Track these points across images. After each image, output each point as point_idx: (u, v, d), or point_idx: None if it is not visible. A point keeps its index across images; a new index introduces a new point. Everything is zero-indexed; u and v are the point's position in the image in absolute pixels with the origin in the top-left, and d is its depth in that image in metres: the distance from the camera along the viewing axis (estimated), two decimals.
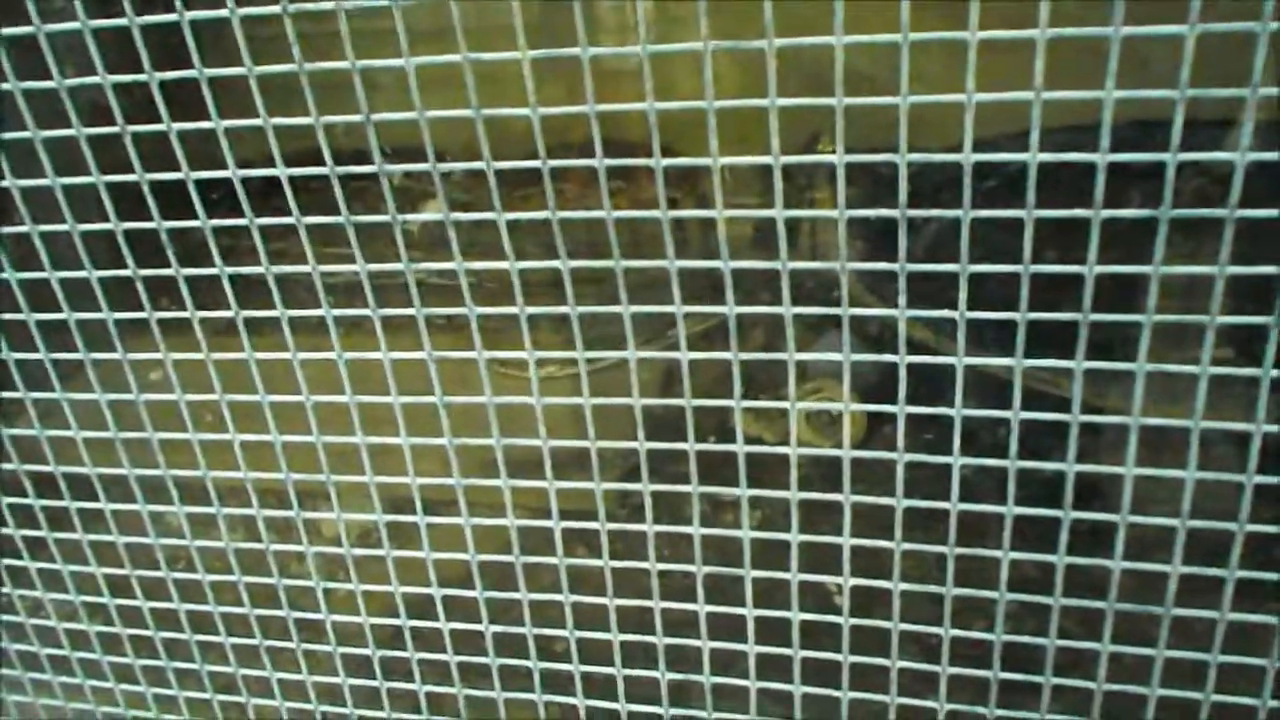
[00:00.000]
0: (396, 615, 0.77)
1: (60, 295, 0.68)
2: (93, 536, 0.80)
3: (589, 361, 0.63)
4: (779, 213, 0.57)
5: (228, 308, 0.67)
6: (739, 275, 0.59)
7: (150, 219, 0.64)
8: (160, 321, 0.68)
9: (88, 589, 0.84)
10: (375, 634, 0.79)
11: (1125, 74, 0.51)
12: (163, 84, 0.59)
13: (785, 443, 0.66)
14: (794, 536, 0.66)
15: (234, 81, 0.57)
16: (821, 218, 0.62)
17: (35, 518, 0.81)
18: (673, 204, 0.57)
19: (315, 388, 0.69)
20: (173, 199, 0.64)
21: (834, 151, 0.57)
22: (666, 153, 0.56)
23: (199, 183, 0.62)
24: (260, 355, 0.67)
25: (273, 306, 0.66)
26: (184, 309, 0.67)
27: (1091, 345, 0.59)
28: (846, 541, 0.65)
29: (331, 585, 0.78)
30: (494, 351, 0.65)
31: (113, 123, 0.61)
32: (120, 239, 0.65)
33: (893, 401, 0.63)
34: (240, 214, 0.62)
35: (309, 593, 0.78)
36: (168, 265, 0.66)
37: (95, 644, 0.87)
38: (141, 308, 0.67)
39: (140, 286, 0.66)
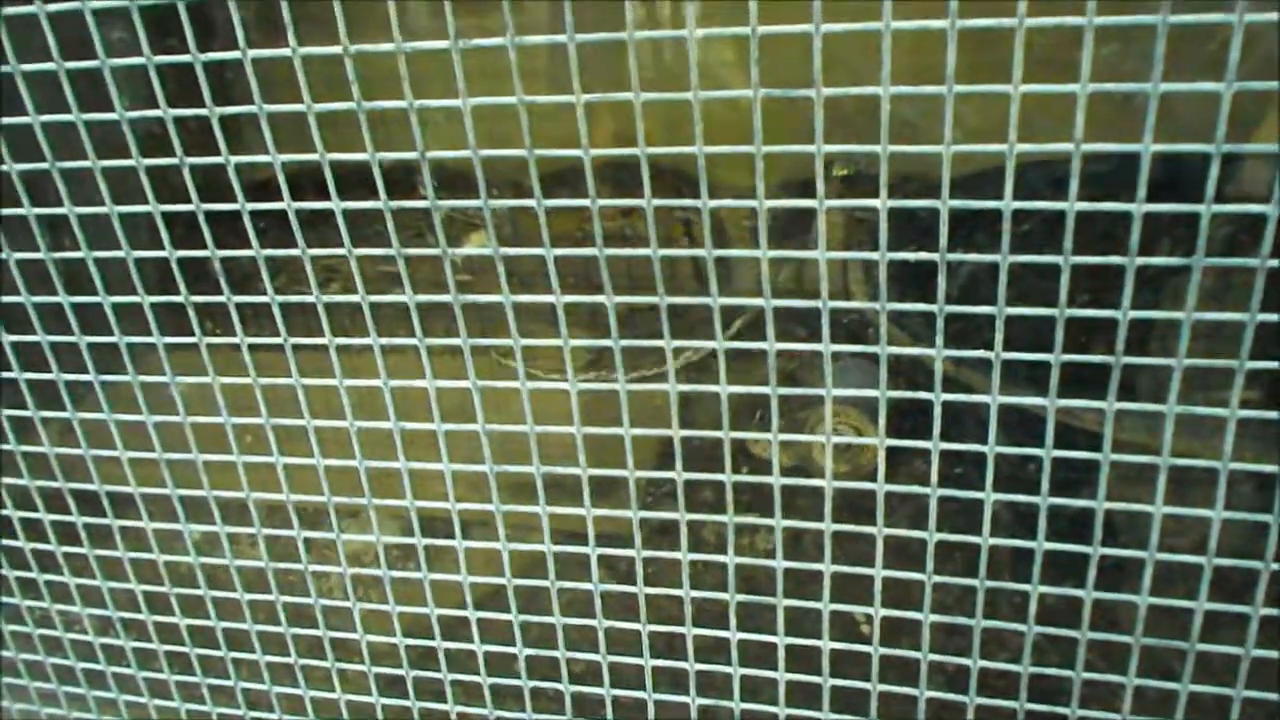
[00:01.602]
0: (409, 635, 0.78)
1: (113, 318, 0.69)
2: (100, 552, 0.81)
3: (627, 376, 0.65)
4: (821, 254, 0.59)
5: (270, 332, 0.69)
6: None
7: (193, 245, 0.65)
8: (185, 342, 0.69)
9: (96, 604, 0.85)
10: (390, 652, 0.80)
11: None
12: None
13: (799, 465, 0.67)
14: (827, 567, 0.67)
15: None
16: (856, 259, 0.64)
17: (59, 533, 0.82)
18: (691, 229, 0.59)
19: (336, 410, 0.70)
20: (221, 226, 0.65)
21: (848, 174, 0.58)
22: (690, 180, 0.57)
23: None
24: (309, 381, 0.69)
25: (305, 331, 0.67)
26: (221, 331, 0.69)
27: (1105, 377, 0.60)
28: (879, 573, 0.66)
29: (336, 603, 0.79)
30: (534, 383, 0.66)
31: (160, 151, 0.63)
32: (174, 267, 0.66)
33: (905, 425, 0.64)
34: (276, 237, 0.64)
35: (331, 612, 0.80)
36: (204, 288, 0.67)
37: (100, 657, 0.89)
38: (178, 330, 0.69)
39: (191, 312, 0.68)
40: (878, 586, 0.67)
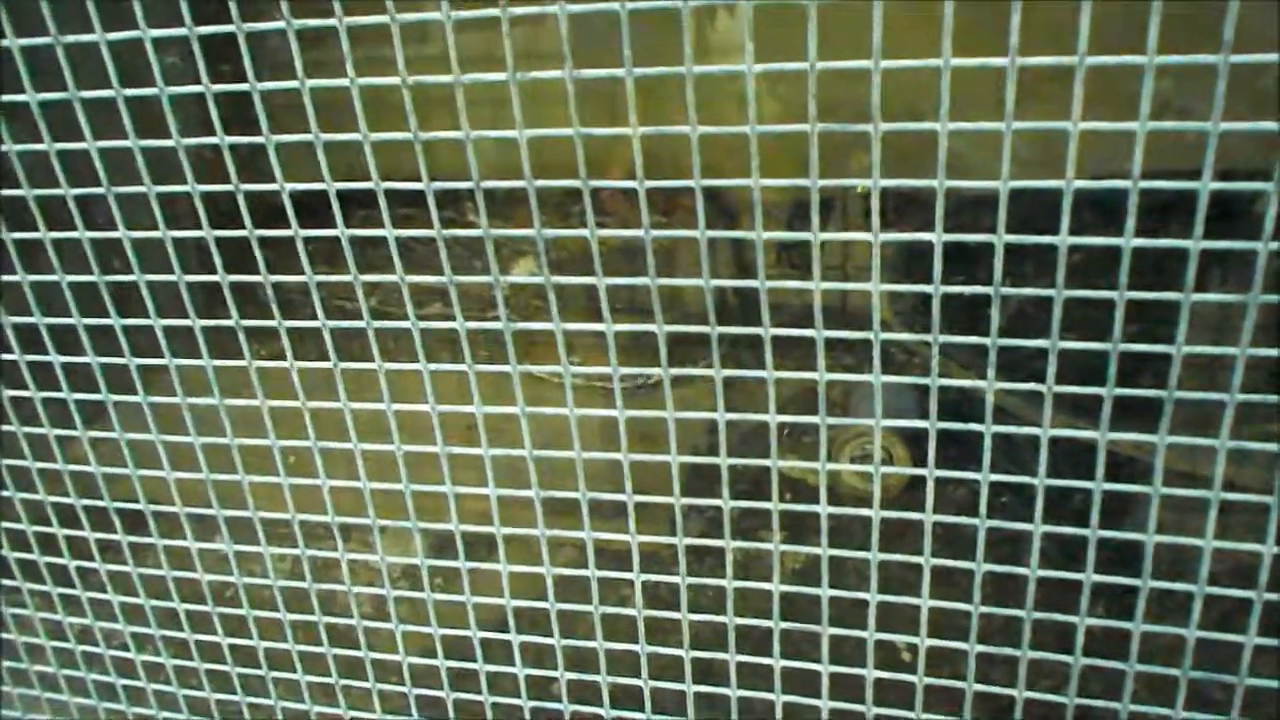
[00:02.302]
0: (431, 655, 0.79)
1: (163, 341, 0.69)
2: (111, 568, 0.82)
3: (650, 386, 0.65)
4: (874, 286, 0.59)
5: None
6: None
7: (240, 268, 0.66)
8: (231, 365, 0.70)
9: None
10: (417, 671, 0.80)
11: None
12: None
13: (829, 485, 0.67)
14: (873, 596, 0.67)
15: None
16: (900, 291, 0.64)
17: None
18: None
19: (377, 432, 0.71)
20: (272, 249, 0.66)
21: (868, 194, 0.59)
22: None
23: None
24: (358, 406, 0.69)
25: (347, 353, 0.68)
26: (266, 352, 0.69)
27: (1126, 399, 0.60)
28: (925, 603, 0.66)
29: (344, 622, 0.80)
30: (582, 410, 0.66)
31: (210, 175, 0.64)
32: (225, 290, 0.67)
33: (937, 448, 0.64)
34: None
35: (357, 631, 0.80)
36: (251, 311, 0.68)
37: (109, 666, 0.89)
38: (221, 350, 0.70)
39: (240, 332, 0.68)
40: (923, 617, 0.67)
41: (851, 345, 0.64)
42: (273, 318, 0.67)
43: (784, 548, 0.68)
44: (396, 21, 0.53)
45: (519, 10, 0.54)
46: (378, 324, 0.66)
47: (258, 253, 0.65)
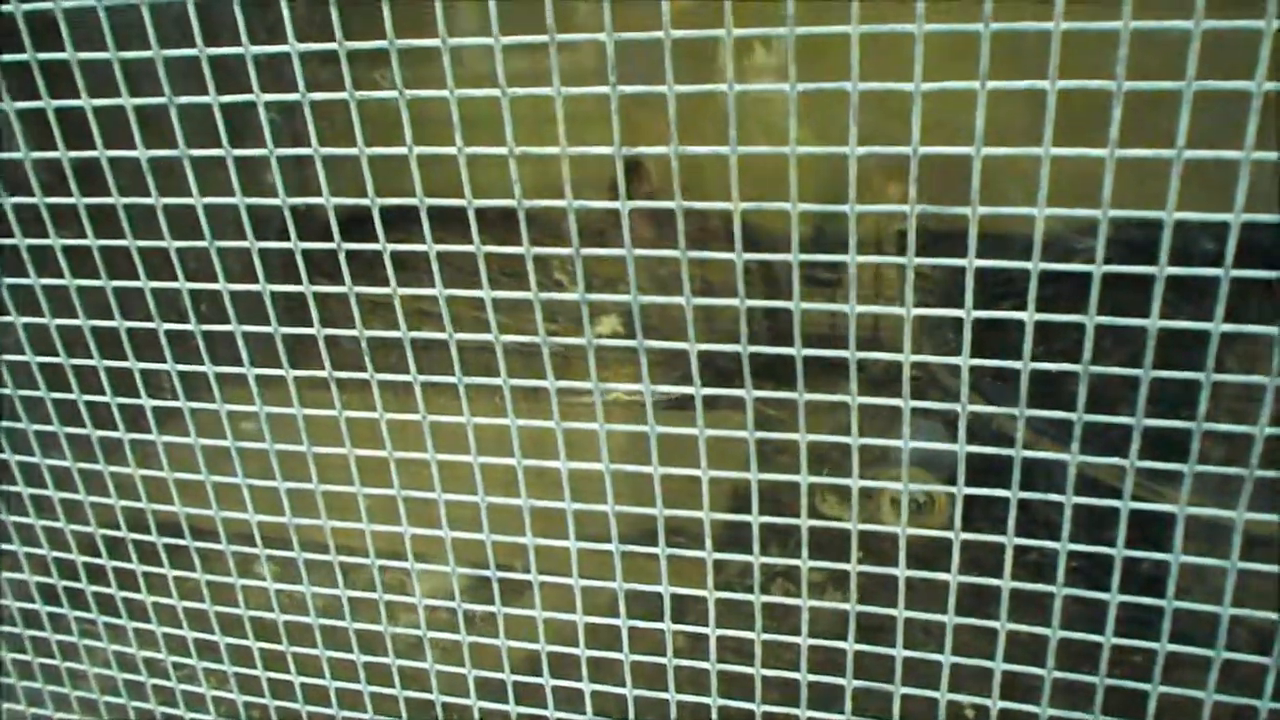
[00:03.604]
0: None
1: (205, 353, 0.71)
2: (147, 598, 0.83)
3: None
4: (907, 311, 0.60)
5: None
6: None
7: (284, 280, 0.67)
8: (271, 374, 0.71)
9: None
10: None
11: None
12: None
13: (864, 523, 0.68)
14: (946, 658, 0.67)
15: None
16: (936, 316, 0.64)
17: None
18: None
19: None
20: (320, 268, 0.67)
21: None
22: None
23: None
24: (392, 415, 0.70)
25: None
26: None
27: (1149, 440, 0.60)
28: (998, 667, 0.66)
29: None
30: (611, 424, 0.67)
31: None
32: (267, 302, 0.68)
33: (978, 480, 0.65)
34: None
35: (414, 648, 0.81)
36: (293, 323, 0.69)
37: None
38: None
39: (280, 347, 0.69)
40: (996, 679, 0.67)
41: (888, 384, 0.65)
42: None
43: (859, 608, 0.68)
44: (448, 45, 0.54)
45: (566, 36, 0.55)
46: (413, 334, 0.67)
47: (301, 267, 0.66)
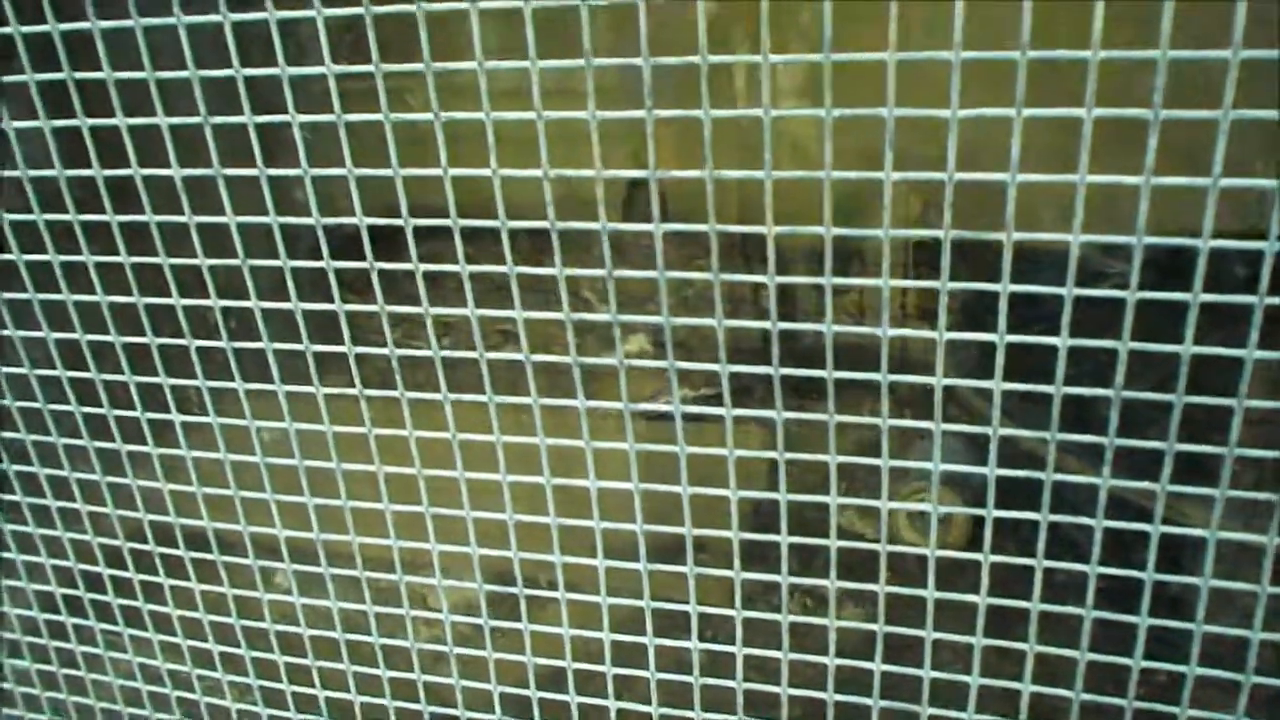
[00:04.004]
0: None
1: (235, 365, 0.71)
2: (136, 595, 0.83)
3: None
4: (940, 335, 0.60)
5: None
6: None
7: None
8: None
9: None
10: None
11: None
12: None
13: (888, 539, 0.68)
14: (974, 679, 0.67)
15: None
16: (966, 338, 0.64)
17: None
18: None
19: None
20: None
21: None
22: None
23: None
24: (421, 434, 0.70)
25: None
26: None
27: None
28: (1026, 688, 0.67)
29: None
30: (642, 445, 0.67)
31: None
32: (299, 319, 0.68)
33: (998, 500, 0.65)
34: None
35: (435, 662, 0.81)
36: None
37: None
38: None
39: (311, 361, 0.70)
40: (1024, 701, 0.67)
41: (911, 403, 0.65)
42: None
43: (886, 629, 0.68)
44: (484, 70, 0.54)
45: (601, 61, 0.55)
46: (445, 353, 0.67)
47: (334, 285, 0.67)
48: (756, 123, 0.56)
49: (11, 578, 0.85)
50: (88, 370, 0.71)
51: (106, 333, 0.70)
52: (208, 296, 0.67)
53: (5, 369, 0.74)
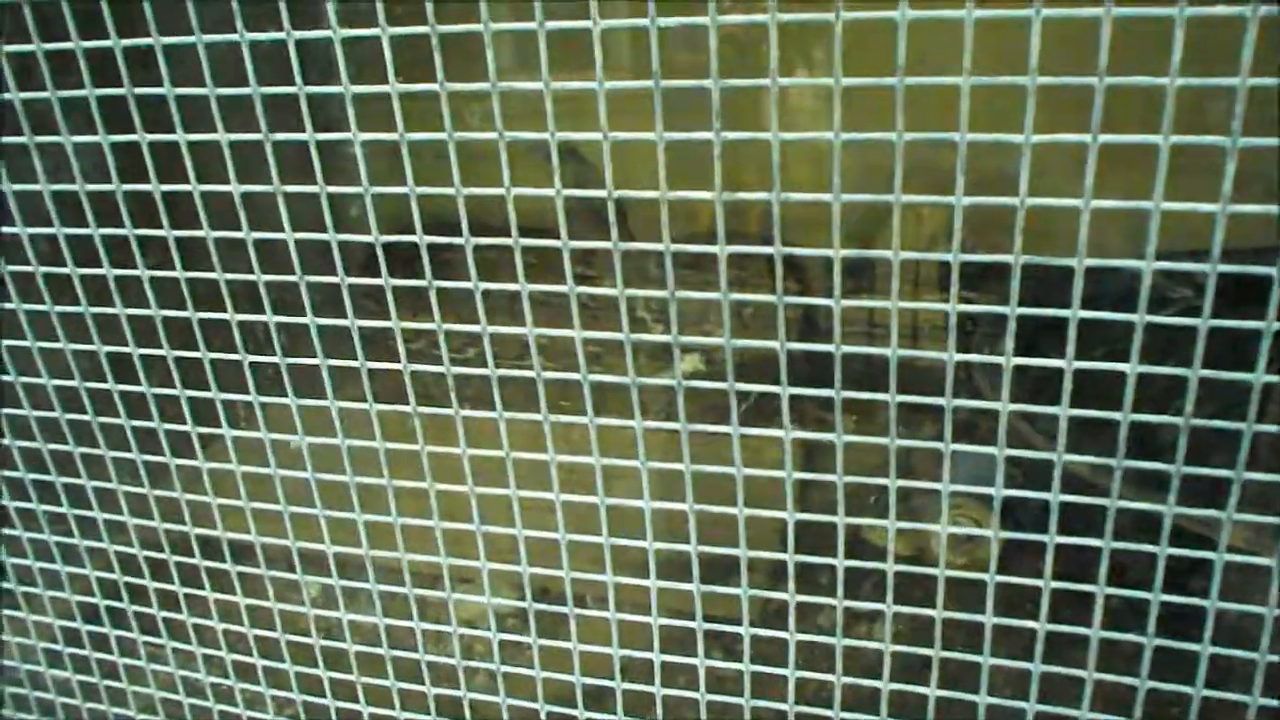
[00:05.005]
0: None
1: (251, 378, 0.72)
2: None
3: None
4: (950, 356, 0.62)
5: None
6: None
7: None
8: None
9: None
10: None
11: None
12: None
13: (916, 556, 0.69)
14: (1032, 706, 0.69)
15: None
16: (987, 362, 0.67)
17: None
18: None
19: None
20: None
21: None
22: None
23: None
24: (434, 449, 0.72)
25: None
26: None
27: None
28: (1085, 715, 0.68)
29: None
30: (665, 464, 0.69)
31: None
32: (313, 331, 0.70)
33: (1030, 518, 0.67)
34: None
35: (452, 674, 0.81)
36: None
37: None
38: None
39: (325, 371, 0.71)
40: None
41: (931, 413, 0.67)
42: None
43: (937, 652, 0.70)
44: (497, 89, 0.57)
45: (614, 85, 0.57)
46: (456, 370, 0.69)
47: (347, 299, 0.68)
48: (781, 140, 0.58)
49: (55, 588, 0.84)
50: (137, 383, 0.72)
51: (158, 345, 0.71)
52: (262, 311, 0.68)
53: (55, 382, 0.75)
